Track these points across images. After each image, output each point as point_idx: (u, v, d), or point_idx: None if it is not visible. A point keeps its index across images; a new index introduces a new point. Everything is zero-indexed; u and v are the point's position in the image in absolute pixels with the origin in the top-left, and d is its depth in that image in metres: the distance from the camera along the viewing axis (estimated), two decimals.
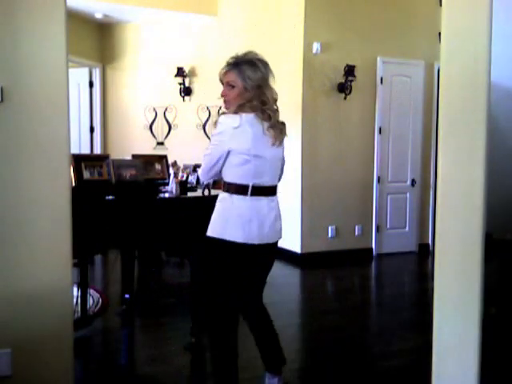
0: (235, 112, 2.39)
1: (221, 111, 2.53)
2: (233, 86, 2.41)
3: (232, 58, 2.45)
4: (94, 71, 7.49)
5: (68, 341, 2.55)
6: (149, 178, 3.73)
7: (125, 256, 4.24)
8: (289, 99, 5.44)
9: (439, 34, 2.35)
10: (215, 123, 2.39)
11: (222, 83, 2.47)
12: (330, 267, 5.89)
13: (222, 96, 2.46)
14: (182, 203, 3.46)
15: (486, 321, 2.19)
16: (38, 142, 2.43)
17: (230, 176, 2.43)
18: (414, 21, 6.55)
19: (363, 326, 4.20)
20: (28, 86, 2.41)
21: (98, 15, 6.99)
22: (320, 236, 6.07)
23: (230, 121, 2.35)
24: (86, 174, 3.32)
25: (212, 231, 2.44)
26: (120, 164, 3.51)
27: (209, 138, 6.91)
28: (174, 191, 3.45)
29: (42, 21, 2.41)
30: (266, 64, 2.45)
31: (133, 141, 7.27)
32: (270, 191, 2.49)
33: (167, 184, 3.64)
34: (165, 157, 4.00)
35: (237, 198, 2.41)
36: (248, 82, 2.39)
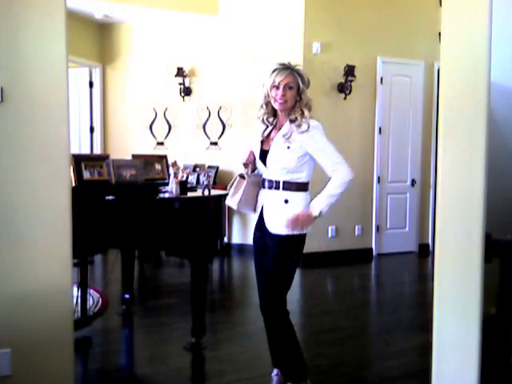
0: (288, 109, 2.60)
1: (278, 109, 2.64)
2: (290, 88, 2.57)
3: (280, 64, 2.59)
4: (93, 71, 7.48)
5: (68, 341, 2.55)
6: (149, 178, 3.72)
7: (125, 256, 4.25)
8: None
9: (439, 33, 2.35)
10: (307, 126, 2.55)
11: (276, 86, 2.56)
12: (330, 267, 5.89)
13: (282, 97, 2.56)
14: (182, 203, 3.46)
15: (486, 321, 2.19)
16: (37, 142, 2.43)
17: (308, 176, 2.65)
18: (414, 21, 6.55)
19: (363, 326, 4.20)
20: (28, 86, 2.41)
21: (98, 15, 6.98)
22: (320, 236, 6.07)
23: None
24: (86, 174, 3.32)
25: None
26: (120, 164, 3.51)
27: (209, 138, 6.92)
28: (174, 191, 3.45)
29: (42, 21, 2.41)
30: None
31: (133, 141, 7.27)
32: None
33: (167, 184, 3.64)
34: (165, 157, 3.99)
35: (308, 195, 2.68)
36: (305, 85, 2.61)
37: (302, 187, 2.63)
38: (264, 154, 2.66)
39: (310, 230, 2.65)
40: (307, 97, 2.63)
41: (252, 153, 2.70)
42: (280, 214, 2.59)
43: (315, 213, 2.57)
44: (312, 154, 2.58)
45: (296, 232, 2.57)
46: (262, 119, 2.70)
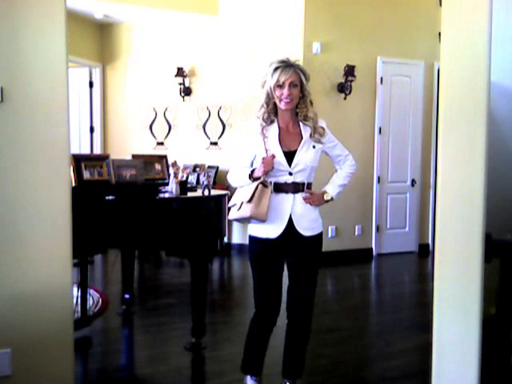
0: (294, 109, 2.60)
1: (285, 108, 2.58)
2: (295, 86, 2.54)
3: (281, 61, 2.54)
4: (94, 71, 7.48)
5: (68, 341, 2.55)
6: (149, 178, 3.72)
7: (125, 256, 4.25)
8: None
9: (439, 33, 2.35)
10: (321, 128, 2.62)
11: (280, 86, 2.52)
12: (330, 267, 5.89)
13: (289, 96, 2.52)
14: (182, 203, 3.46)
15: (486, 321, 2.19)
16: (38, 142, 2.43)
17: (313, 177, 2.66)
18: (414, 21, 6.56)
19: (363, 326, 4.20)
20: (28, 86, 2.41)
21: (98, 15, 6.98)
22: None
23: None
24: (86, 174, 3.32)
25: (322, 225, 2.69)
26: (120, 164, 3.51)
27: (209, 138, 6.93)
28: (174, 191, 3.44)
29: (42, 21, 2.41)
30: None
31: (133, 141, 7.27)
32: None
33: (167, 184, 3.64)
34: (165, 157, 3.99)
35: None
36: (307, 80, 2.59)
37: (311, 186, 2.66)
38: (287, 156, 2.54)
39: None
40: (309, 92, 2.62)
41: (273, 157, 2.52)
42: (311, 215, 2.61)
43: (327, 197, 2.69)
44: (327, 150, 2.68)
45: (320, 230, 2.66)
46: (263, 118, 2.60)
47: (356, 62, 6.16)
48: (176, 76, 6.86)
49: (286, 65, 2.53)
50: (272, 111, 2.61)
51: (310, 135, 2.58)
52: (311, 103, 2.63)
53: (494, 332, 2.37)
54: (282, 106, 2.55)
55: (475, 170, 2.15)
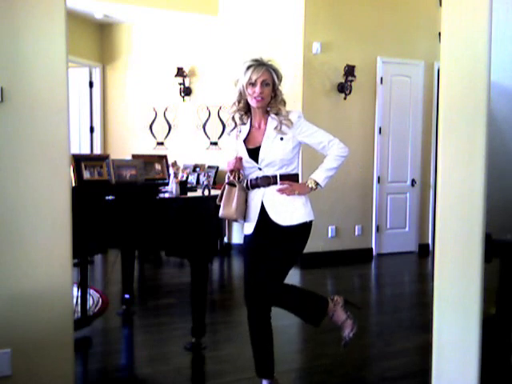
0: (265, 107, 2.63)
1: (256, 106, 2.63)
2: (267, 84, 2.59)
3: (254, 60, 2.60)
4: (94, 71, 7.49)
5: (68, 341, 2.55)
6: (149, 178, 3.73)
7: (125, 256, 4.25)
8: (288, 99, 5.42)
9: (439, 33, 2.35)
10: (288, 120, 2.60)
11: (253, 84, 2.56)
12: (330, 267, 5.89)
13: (260, 94, 2.57)
14: (182, 203, 3.46)
15: (486, 321, 2.19)
16: (38, 142, 2.43)
17: (297, 167, 2.69)
18: (414, 21, 6.56)
19: (363, 326, 4.20)
20: (28, 86, 2.41)
21: (98, 15, 6.98)
22: (320, 236, 6.07)
23: None
24: (86, 174, 3.32)
25: (309, 215, 2.67)
26: (120, 164, 3.51)
27: (209, 138, 6.93)
28: (174, 191, 3.45)
29: (42, 21, 2.41)
30: None
31: (133, 141, 7.27)
32: None
33: (167, 184, 3.64)
34: (165, 157, 3.99)
35: None
36: (279, 80, 2.65)
37: (295, 178, 2.67)
38: (253, 152, 2.64)
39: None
40: (281, 92, 2.66)
41: (239, 158, 2.65)
42: (287, 205, 2.61)
43: (311, 184, 2.67)
44: (304, 140, 2.65)
45: (307, 219, 2.65)
46: (233, 117, 2.70)
47: (356, 61, 6.16)
48: (176, 76, 6.87)
49: (258, 63, 2.59)
50: (244, 109, 2.68)
51: (276, 127, 2.60)
52: (284, 103, 2.67)
53: (494, 332, 2.37)
54: (253, 103, 2.61)
55: (475, 169, 2.15)
